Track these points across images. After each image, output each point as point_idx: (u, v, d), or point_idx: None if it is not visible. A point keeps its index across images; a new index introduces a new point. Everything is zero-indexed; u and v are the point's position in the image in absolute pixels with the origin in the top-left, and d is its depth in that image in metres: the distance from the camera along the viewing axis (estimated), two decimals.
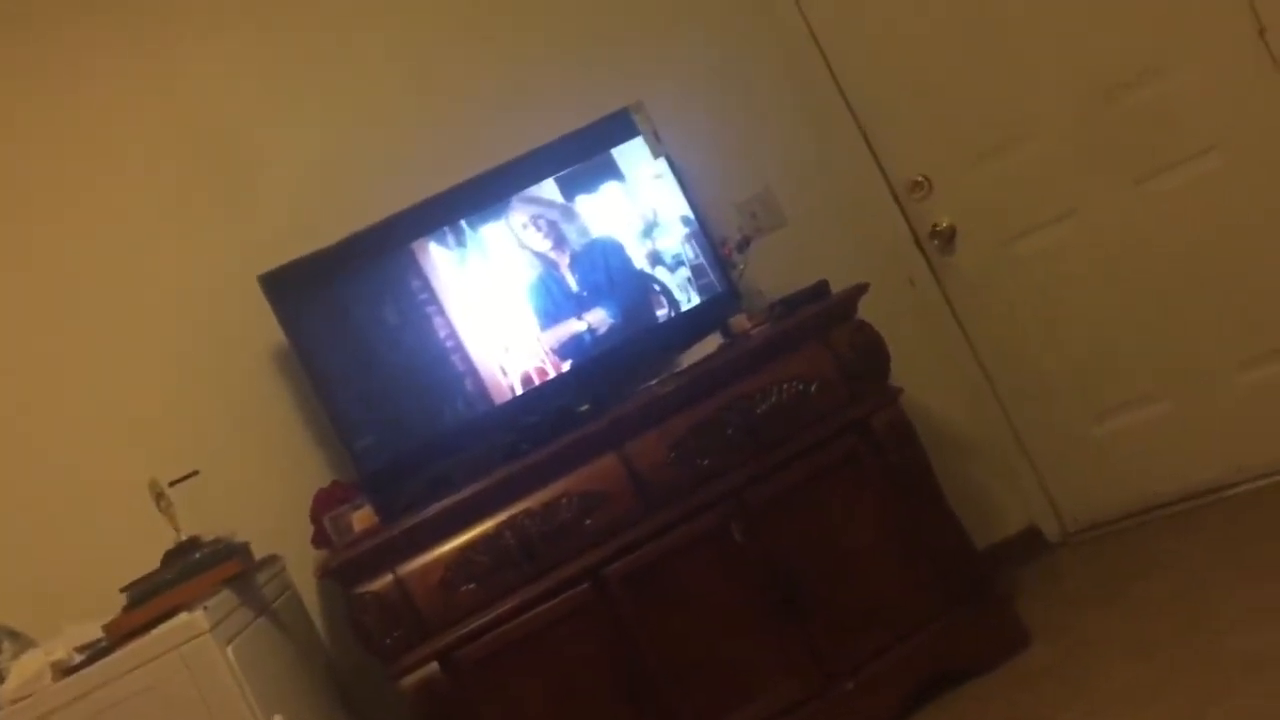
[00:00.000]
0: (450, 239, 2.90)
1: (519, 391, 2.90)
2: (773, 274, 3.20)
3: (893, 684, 2.71)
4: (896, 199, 3.32)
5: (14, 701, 2.21)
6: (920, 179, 3.27)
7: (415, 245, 2.88)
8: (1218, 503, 3.06)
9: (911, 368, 3.14)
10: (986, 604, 2.81)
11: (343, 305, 2.83)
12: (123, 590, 2.42)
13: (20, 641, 2.47)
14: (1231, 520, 2.95)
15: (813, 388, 2.77)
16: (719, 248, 3.11)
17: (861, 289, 2.88)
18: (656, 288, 3.01)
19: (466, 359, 2.89)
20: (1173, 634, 2.52)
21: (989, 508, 3.33)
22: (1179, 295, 3.02)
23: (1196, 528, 3.01)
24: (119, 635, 2.31)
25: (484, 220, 2.92)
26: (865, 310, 2.90)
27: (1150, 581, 2.84)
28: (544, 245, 2.96)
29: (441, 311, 2.88)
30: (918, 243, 3.32)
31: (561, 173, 2.96)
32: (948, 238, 3.27)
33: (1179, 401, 3.10)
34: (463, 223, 2.91)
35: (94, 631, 2.41)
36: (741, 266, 3.17)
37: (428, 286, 2.88)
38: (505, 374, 2.90)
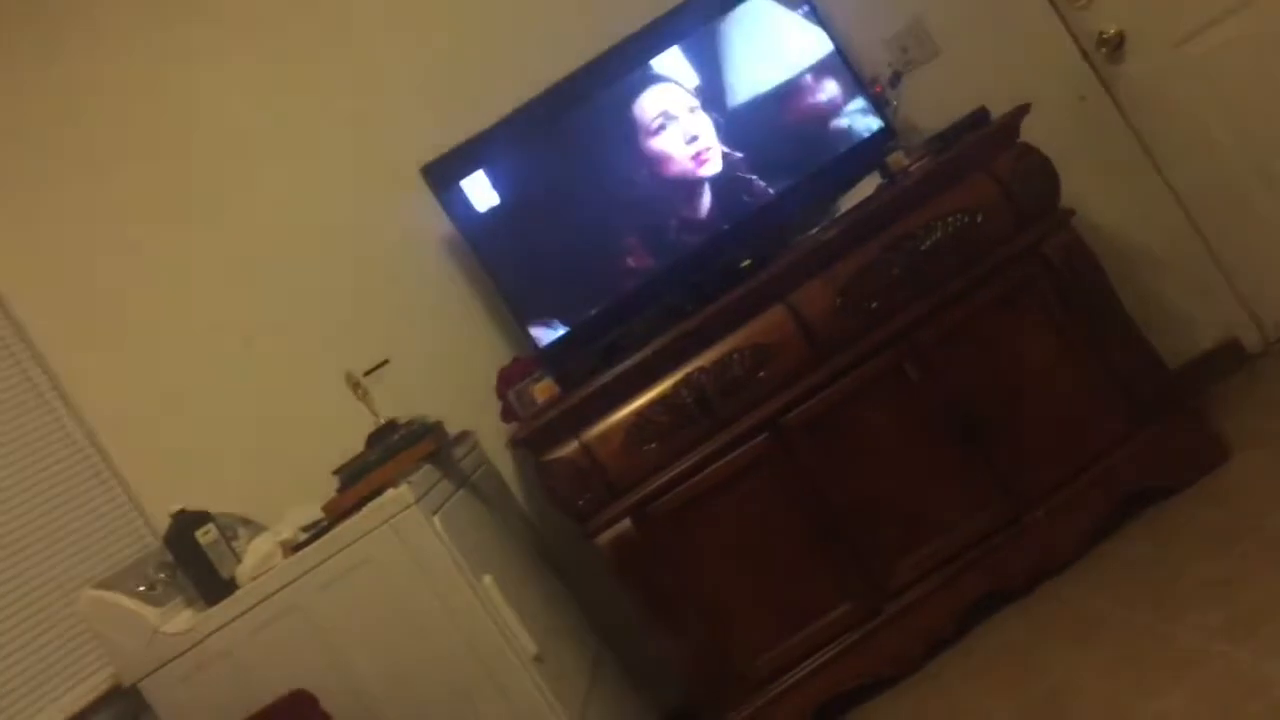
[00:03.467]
0: (603, 105, 2.93)
1: (683, 254, 2.93)
2: (931, 108, 3.11)
3: (1085, 508, 2.68)
4: (1057, 9, 3.14)
5: (253, 578, 2.44)
6: None
7: (568, 116, 2.92)
8: None
9: (1087, 188, 3.03)
10: (1180, 420, 2.72)
11: (503, 187, 2.90)
12: (334, 473, 2.62)
13: (252, 527, 2.71)
14: None
15: (979, 219, 2.70)
16: (870, 87, 3.03)
17: (1023, 110, 2.76)
18: (811, 135, 2.95)
19: (630, 222, 2.94)
20: None
21: (1184, 324, 3.18)
22: None
23: None
24: (336, 514, 2.51)
25: (631, 88, 2.92)
26: (1031, 133, 2.78)
27: None
28: (692, 105, 2.94)
29: (600, 178, 2.93)
30: (1084, 54, 3.14)
31: (703, 27, 2.93)
32: (1116, 45, 3.08)
33: None
34: (609, 90, 2.92)
35: (314, 513, 2.62)
36: (895, 103, 3.08)
37: (585, 157, 2.93)
38: (670, 234, 2.94)
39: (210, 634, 2.42)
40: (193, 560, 2.50)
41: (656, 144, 2.93)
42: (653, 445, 2.68)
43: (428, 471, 2.54)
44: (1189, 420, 2.73)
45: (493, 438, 3.08)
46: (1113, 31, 3.07)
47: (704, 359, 2.70)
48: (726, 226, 2.94)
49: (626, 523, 2.66)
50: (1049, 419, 2.70)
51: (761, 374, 2.68)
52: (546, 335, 2.89)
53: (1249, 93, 2.95)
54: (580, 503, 2.67)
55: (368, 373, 2.78)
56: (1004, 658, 2.51)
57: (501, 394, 2.92)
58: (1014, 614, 2.64)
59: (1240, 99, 2.97)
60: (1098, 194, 3.06)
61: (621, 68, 2.91)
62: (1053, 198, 2.74)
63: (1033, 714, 2.23)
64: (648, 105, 2.93)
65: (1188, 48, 2.99)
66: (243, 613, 2.41)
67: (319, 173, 3.15)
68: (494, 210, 2.91)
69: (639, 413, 2.68)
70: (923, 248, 2.70)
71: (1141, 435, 2.68)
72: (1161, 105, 3.09)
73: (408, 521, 2.39)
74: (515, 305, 2.92)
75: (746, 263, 2.84)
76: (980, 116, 2.82)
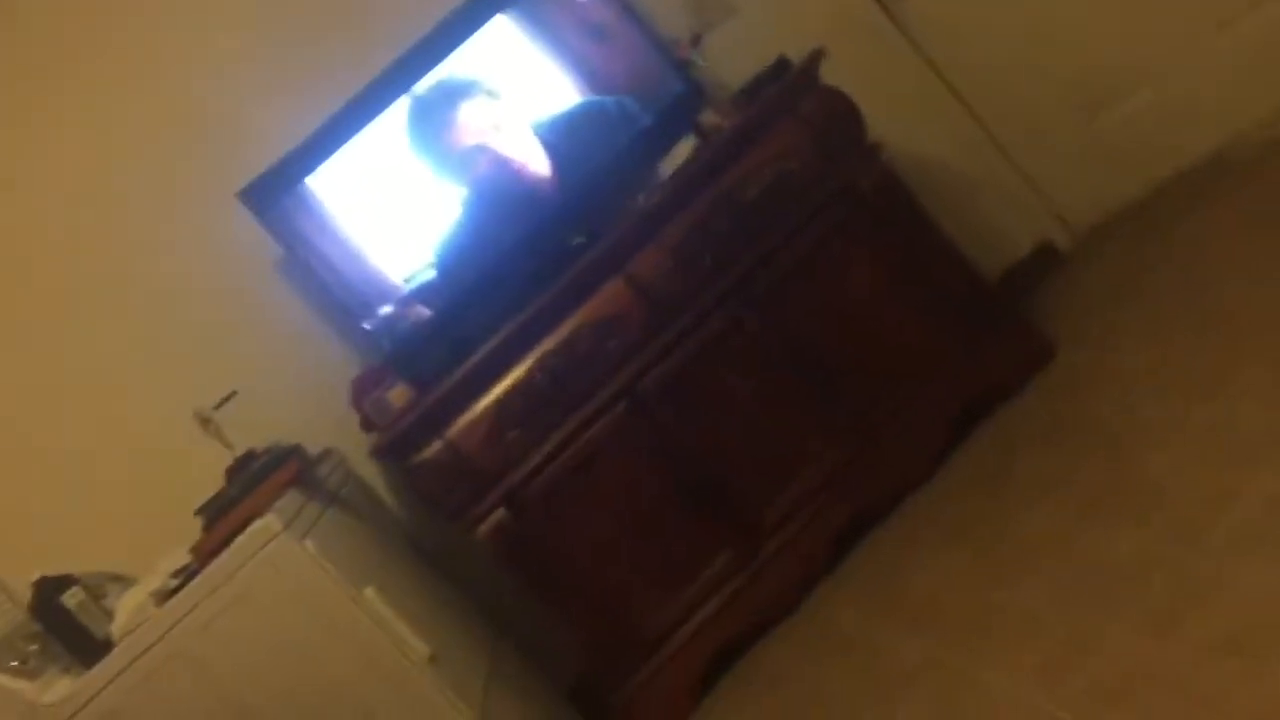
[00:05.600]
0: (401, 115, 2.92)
1: (516, 241, 2.95)
2: (739, 64, 3.16)
3: (933, 422, 2.81)
4: None
5: (128, 633, 2.39)
6: None
7: (371, 130, 2.90)
8: (1217, 172, 3.05)
9: (892, 120, 3.13)
10: (1005, 327, 2.87)
11: (327, 198, 2.88)
12: (197, 514, 2.58)
13: (122, 583, 2.65)
14: (1232, 186, 2.94)
15: (793, 164, 2.79)
16: (673, 50, 3.09)
17: (818, 54, 2.86)
18: (619, 109, 3.00)
19: (460, 217, 2.95)
20: (1184, 313, 2.57)
21: (999, 236, 3.35)
22: None
23: (1199, 201, 3.01)
24: (205, 554, 2.47)
25: (443, 91, 2.92)
26: (833, 75, 2.88)
27: (1161, 267, 2.87)
28: (492, 113, 2.95)
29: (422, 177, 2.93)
30: None
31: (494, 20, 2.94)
32: None
33: (1164, 80, 3.07)
34: (406, 98, 2.91)
35: (183, 557, 2.58)
36: (701, 63, 3.15)
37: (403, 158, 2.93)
38: (499, 224, 2.95)
39: (94, 697, 2.35)
40: (62, 626, 2.44)
41: (470, 140, 2.94)
42: (516, 432, 2.71)
43: (293, 496, 2.53)
44: (1014, 326, 2.89)
45: (357, 450, 3.07)
46: None
47: (552, 340, 2.74)
48: (555, 209, 2.97)
49: (501, 511, 2.70)
50: (886, 346, 2.82)
51: (610, 345, 2.74)
52: (388, 340, 2.89)
53: (1026, 6, 3.11)
54: (452, 500, 2.70)
55: (216, 406, 2.74)
56: (877, 578, 2.63)
57: (358, 405, 2.90)
58: (881, 535, 2.76)
59: (1019, 14, 3.12)
60: (902, 126, 3.18)
61: (420, 68, 2.90)
62: (859, 135, 2.85)
63: (912, 625, 2.35)
64: (459, 107, 2.93)
65: None
66: (123, 669, 2.36)
67: (139, 214, 3.07)
68: (320, 222, 2.88)
69: (497, 402, 2.71)
70: (745, 200, 2.78)
71: (972, 347, 2.82)
72: (948, 32, 3.22)
73: (279, 550, 2.37)
74: (355, 314, 2.90)
75: (579, 239, 2.88)
76: (780, 66, 2.91)
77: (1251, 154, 2.97)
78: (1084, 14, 3.05)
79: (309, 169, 2.87)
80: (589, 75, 3.01)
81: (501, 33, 2.95)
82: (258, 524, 2.39)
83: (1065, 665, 1.86)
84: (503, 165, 2.94)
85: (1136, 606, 1.85)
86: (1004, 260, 3.35)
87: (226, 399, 2.75)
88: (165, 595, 2.42)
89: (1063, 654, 1.90)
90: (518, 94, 2.96)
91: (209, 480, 2.62)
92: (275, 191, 2.86)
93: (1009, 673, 1.97)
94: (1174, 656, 1.68)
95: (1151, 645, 1.73)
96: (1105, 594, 1.94)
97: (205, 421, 2.65)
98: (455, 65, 2.90)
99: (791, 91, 2.83)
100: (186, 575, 2.46)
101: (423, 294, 2.92)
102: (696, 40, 3.15)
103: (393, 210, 2.92)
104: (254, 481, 2.54)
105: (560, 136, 2.96)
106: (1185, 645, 1.67)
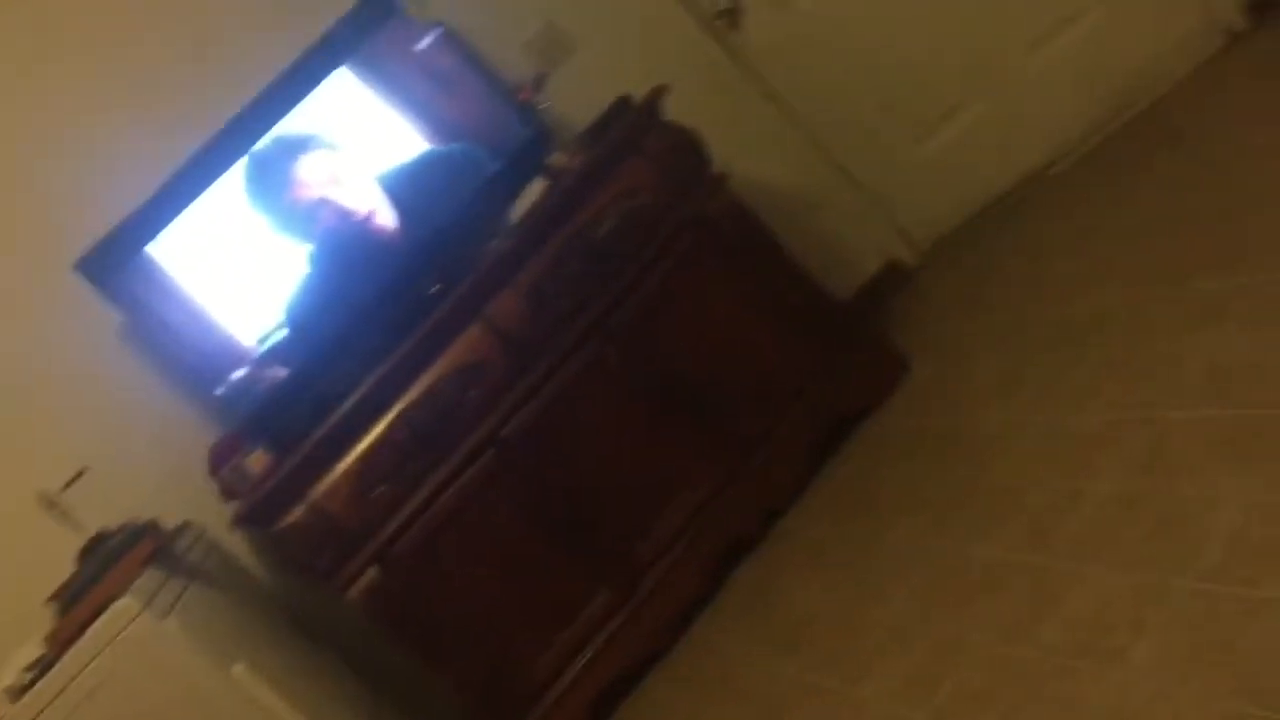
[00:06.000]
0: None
1: (371, 295, 2.91)
2: (583, 102, 3.19)
3: (797, 442, 2.86)
4: None
5: None
6: None
7: (212, 191, 2.83)
8: (1047, 182, 3.20)
9: (735, 149, 3.18)
10: (862, 344, 2.95)
11: (162, 266, 2.80)
12: (49, 601, 2.46)
13: None
14: (1061, 195, 3.10)
15: (641, 200, 2.82)
16: (516, 94, 3.10)
17: (659, 90, 2.90)
18: (464, 157, 2.99)
19: (312, 275, 2.90)
20: (1021, 322, 2.70)
21: (847, 255, 3.44)
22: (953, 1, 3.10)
23: (1033, 212, 3.15)
24: (60, 644, 2.36)
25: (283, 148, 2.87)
26: (675, 108, 2.93)
27: (999, 277, 3.00)
28: (331, 166, 2.91)
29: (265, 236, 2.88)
30: (707, 28, 3.33)
31: (334, 73, 2.90)
32: (732, 15, 3.27)
33: (987, 100, 3.22)
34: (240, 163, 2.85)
35: (37, 649, 2.46)
36: (546, 104, 3.17)
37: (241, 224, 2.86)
38: (353, 278, 2.91)
39: None
40: None
41: (311, 194, 2.89)
42: (382, 488, 2.67)
43: (151, 574, 2.44)
44: (868, 343, 2.97)
45: (219, 520, 2.97)
46: (726, 3, 3.27)
47: (414, 391, 2.71)
48: (405, 259, 2.93)
49: (373, 571, 2.65)
50: (748, 371, 2.86)
51: (472, 393, 2.72)
52: (249, 403, 2.82)
53: (854, 34, 3.22)
54: (321, 564, 2.64)
55: (65, 486, 2.62)
56: (753, 601, 2.67)
57: (216, 474, 2.82)
58: (754, 559, 2.80)
59: (848, 43, 3.23)
60: (745, 154, 3.22)
61: (260, 125, 2.85)
62: (704, 166, 2.90)
63: (789, 648, 2.38)
64: (298, 161, 2.88)
65: (793, 5, 3.22)
66: None
67: None
68: (164, 289, 2.80)
69: (361, 459, 2.67)
70: (597, 237, 2.80)
71: (830, 366, 2.89)
72: (782, 61, 3.30)
73: (139, 631, 2.29)
74: (207, 380, 2.82)
75: (435, 288, 2.86)
76: (621, 105, 2.95)
77: (1070, 167, 3.15)
78: (909, 37, 3.17)
79: (149, 235, 2.78)
80: (434, 123, 3.00)
81: (343, 85, 2.91)
82: (116, 605, 2.30)
83: (933, 675, 1.92)
84: (345, 217, 2.90)
85: (995, 612, 1.91)
86: (855, 279, 3.44)
87: (75, 479, 2.64)
88: (20, 691, 2.31)
89: (930, 664, 1.95)
90: (360, 146, 2.93)
91: (59, 566, 2.50)
92: (114, 260, 2.76)
93: (882, 687, 2.02)
94: (1031, 659, 1.74)
95: (1010, 650, 1.80)
96: (966, 602, 2.01)
97: (52, 504, 2.54)
98: (294, 120, 2.85)
99: (635, 129, 2.87)
100: (42, 667, 2.35)
101: (277, 354, 2.86)
102: (540, 83, 3.16)
103: (240, 271, 2.86)
104: (109, 562, 2.44)
105: (406, 187, 2.93)
106: (1040, 648, 1.74)
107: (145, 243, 2.78)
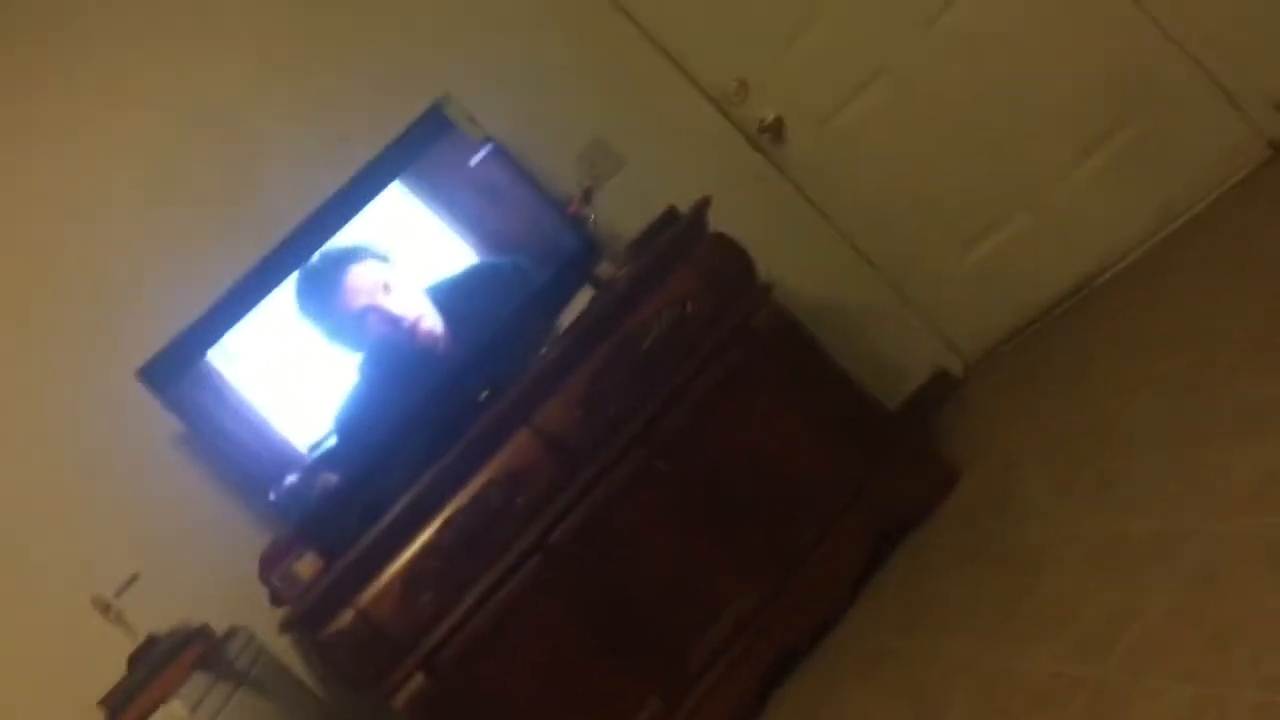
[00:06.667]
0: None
1: (423, 401, 2.96)
2: (630, 215, 3.26)
3: (848, 553, 2.84)
4: (719, 107, 3.41)
5: None
6: (735, 82, 3.36)
7: (270, 300, 2.92)
8: (1093, 292, 3.22)
9: (780, 260, 3.24)
10: (911, 454, 2.94)
11: (219, 373, 2.87)
12: (99, 704, 2.48)
13: None
14: (1107, 305, 3.10)
15: (688, 309, 2.86)
16: (565, 207, 3.18)
17: (705, 202, 2.97)
18: (513, 269, 3.06)
19: (364, 384, 2.96)
20: (1071, 430, 2.68)
21: (893, 366, 3.46)
22: (1000, 113, 3.17)
23: (1080, 321, 3.16)
24: None
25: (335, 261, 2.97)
26: (720, 220, 2.99)
27: (1047, 387, 2.99)
28: (381, 275, 2.99)
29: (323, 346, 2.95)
30: (751, 142, 3.42)
31: (387, 188, 3.00)
32: (776, 130, 3.37)
33: (1033, 211, 3.26)
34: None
35: None
36: (594, 217, 3.24)
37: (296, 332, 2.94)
38: (405, 387, 2.96)
39: None
40: None
41: (360, 302, 2.96)
42: (429, 595, 2.67)
43: (199, 679, 2.45)
44: (917, 454, 2.96)
45: (268, 625, 2.98)
46: (771, 118, 3.36)
47: (461, 497, 2.73)
48: (455, 368, 2.98)
49: (419, 677, 2.64)
50: (795, 480, 2.85)
51: (519, 500, 2.73)
52: (299, 509, 2.85)
53: (899, 148, 3.29)
54: (368, 670, 2.64)
55: (119, 592, 2.66)
56: (803, 714, 2.61)
57: (266, 579, 2.84)
58: (805, 670, 2.75)
59: (893, 156, 3.30)
60: (791, 265, 3.30)
61: (318, 237, 2.94)
62: (750, 276, 2.94)
63: None
64: (348, 271, 2.97)
65: (835, 121, 3.32)
66: None
67: (34, 396, 3.03)
68: (220, 395, 2.87)
69: (408, 566, 2.68)
70: (644, 347, 2.84)
71: (878, 477, 2.88)
72: (828, 174, 3.39)
73: None
74: (260, 486, 2.87)
75: (484, 395, 2.90)
76: (669, 215, 3.02)
77: (1114, 278, 3.16)
78: (954, 150, 3.24)
79: (208, 343, 2.87)
80: (484, 236, 3.08)
81: (394, 198, 3.01)
82: (163, 710, 2.31)
83: None
84: (395, 324, 2.97)
85: None
86: (902, 389, 3.45)
87: (128, 583, 2.67)
88: None
89: None
90: (409, 257, 3.01)
91: (112, 669, 2.52)
92: (175, 367, 2.85)
93: None
94: None
95: None
96: (1022, 716, 1.96)
97: (106, 608, 2.57)
98: (347, 232, 2.95)
99: (682, 239, 2.93)
100: None
101: (328, 461, 2.90)
102: (588, 195, 3.25)
103: (294, 378, 2.92)
104: (158, 666, 2.46)
105: (455, 298, 3.00)
106: None
107: (204, 351, 2.87)
